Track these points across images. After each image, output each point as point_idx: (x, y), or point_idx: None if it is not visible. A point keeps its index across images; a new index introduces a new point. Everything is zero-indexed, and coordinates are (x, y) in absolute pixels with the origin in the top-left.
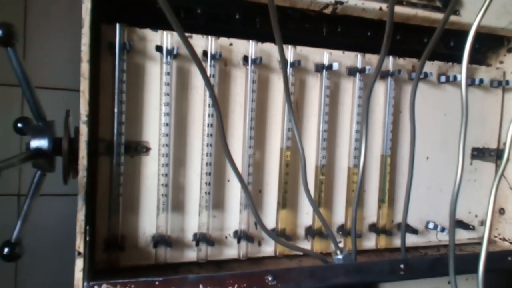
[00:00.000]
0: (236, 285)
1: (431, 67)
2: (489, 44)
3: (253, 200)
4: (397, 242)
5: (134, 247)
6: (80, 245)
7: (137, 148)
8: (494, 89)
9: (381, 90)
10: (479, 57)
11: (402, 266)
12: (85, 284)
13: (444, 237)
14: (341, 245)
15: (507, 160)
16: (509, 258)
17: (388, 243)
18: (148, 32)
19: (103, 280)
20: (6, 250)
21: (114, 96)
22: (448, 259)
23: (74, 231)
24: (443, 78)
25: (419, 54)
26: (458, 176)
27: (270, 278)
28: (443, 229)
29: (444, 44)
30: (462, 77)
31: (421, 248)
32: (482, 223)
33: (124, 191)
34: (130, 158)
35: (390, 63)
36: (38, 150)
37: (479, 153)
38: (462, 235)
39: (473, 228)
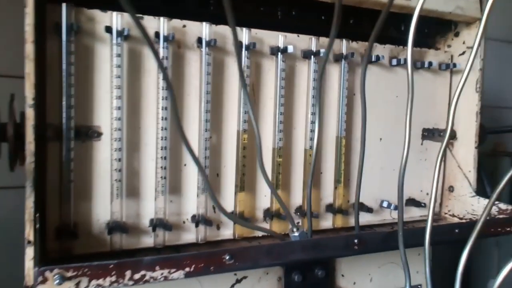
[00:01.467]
0: (193, 266)
1: (383, 50)
2: (437, 28)
3: (211, 183)
4: (353, 221)
5: (88, 234)
6: (29, 233)
7: (88, 133)
8: (442, 71)
9: (335, 73)
10: (428, 41)
11: (356, 241)
12: (36, 269)
13: (396, 215)
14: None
15: (450, 137)
16: (456, 231)
17: (344, 222)
18: (97, 13)
19: (55, 265)
20: None
21: (62, 79)
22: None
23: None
24: (394, 61)
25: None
26: (404, 155)
27: (227, 257)
28: (396, 207)
29: (395, 28)
30: (408, 60)
31: (376, 226)
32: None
33: (76, 177)
34: (81, 143)
35: (344, 46)
36: None
37: (429, 134)
38: (414, 213)
39: (424, 205)
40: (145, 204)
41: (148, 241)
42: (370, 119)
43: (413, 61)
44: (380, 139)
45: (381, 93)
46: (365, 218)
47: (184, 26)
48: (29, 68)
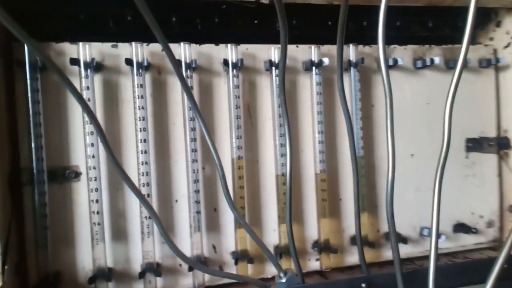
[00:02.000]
0: None
1: (404, 52)
2: (476, 20)
3: (208, 219)
4: (387, 254)
5: (73, 284)
6: None
7: (66, 174)
8: (484, 69)
9: (345, 84)
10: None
11: (364, 285)
12: None
13: (444, 244)
14: (316, 263)
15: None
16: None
17: (375, 257)
18: (66, 46)
19: None
20: None
21: (29, 119)
22: (427, 272)
23: None
24: (419, 63)
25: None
26: (390, 174)
27: None
28: (439, 236)
29: (420, 24)
30: (380, 56)
31: (417, 259)
32: (490, 224)
33: (55, 222)
34: (59, 185)
35: (351, 51)
36: None
37: (475, 144)
38: (467, 240)
39: (476, 232)
40: (133, 247)
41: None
42: (397, 133)
43: (445, 60)
44: (412, 155)
45: (407, 101)
46: (402, 250)
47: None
48: None
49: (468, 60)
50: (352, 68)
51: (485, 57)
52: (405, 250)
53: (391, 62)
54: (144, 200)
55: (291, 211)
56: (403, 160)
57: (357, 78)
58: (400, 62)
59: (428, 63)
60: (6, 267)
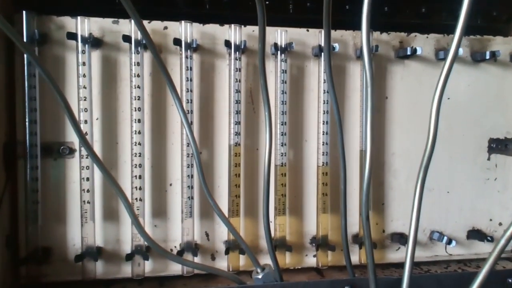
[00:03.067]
0: None
1: (426, 41)
2: (509, 11)
3: (203, 206)
4: (391, 256)
5: (63, 260)
6: None
7: (60, 150)
8: None
9: (357, 73)
10: (499, 27)
11: None
12: None
13: (456, 251)
14: (314, 259)
15: None
16: (509, 280)
17: (378, 258)
18: (67, 20)
19: None
20: None
21: (24, 92)
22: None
23: None
24: (441, 54)
25: (409, 28)
26: (367, 173)
27: None
28: (450, 241)
29: (445, 12)
30: (363, 44)
31: (424, 264)
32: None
33: (47, 197)
34: (53, 161)
35: (364, 37)
36: None
37: (499, 145)
38: (481, 248)
39: (491, 240)
40: (124, 229)
41: (127, 270)
42: (412, 128)
43: (471, 52)
44: None
45: (425, 95)
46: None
47: (166, 28)
48: None
49: (497, 53)
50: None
51: None
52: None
53: (409, 52)
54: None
55: (268, 202)
56: (417, 158)
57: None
58: (419, 51)
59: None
60: None
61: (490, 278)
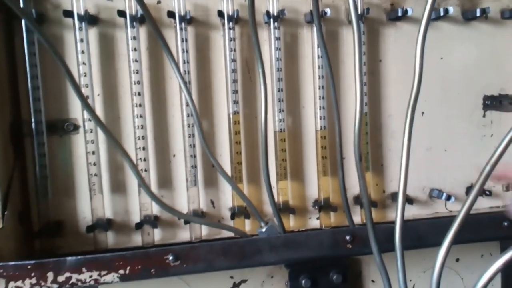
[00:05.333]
0: (128, 267)
1: (417, 2)
2: None
3: (206, 175)
4: (392, 215)
5: (75, 232)
6: None
7: (65, 127)
8: (507, 21)
9: (350, 37)
10: None
11: (348, 237)
12: None
13: (454, 207)
14: (317, 222)
15: None
16: (505, 224)
17: (380, 217)
18: None
19: None
20: None
21: (26, 71)
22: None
23: None
24: (433, 14)
25: None
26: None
27: (171, 258)
28: (449, 197)
29: None
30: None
31: (425, 221)
32: (508, 187)
33: (55, 173)
34: (59, 138)
35: (357, 1)
36: None
37: (493, 102)
38: (481, 204)
39: (490, 194)
40: (132, 199)
41: (138, 239)
42: (407, 90)
43: (462, 11)
44: (422, 113)
45: (418, 56)
46: (410, 212)
47: (159, 2)
48: None
49: (487, 9)
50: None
51: (508, 7)
52: (412, 212)
53: (399, 13)
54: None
55: (267, 162)
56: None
57: (362, 30)
58: (410, 12)
59: (442, 13)
60: (6, 212)
61: (486, 221)
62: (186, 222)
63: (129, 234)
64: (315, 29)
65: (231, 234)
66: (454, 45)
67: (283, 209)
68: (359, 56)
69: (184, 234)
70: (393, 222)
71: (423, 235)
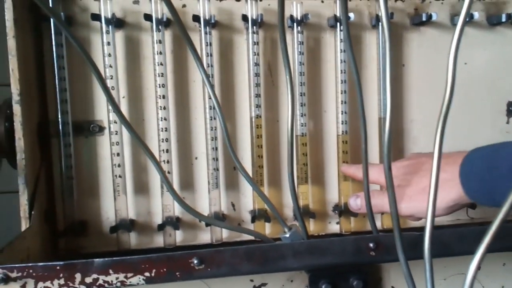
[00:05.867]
0: (153, 270)
1: (441, 7)
2: None
3: (227, 178)
4: (411, 222)
5: (98, 233)
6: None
7: (91, 128)
8: None
9: (373, 41)
10: None
11: (371, 245)
12: None
13: (476, 214)
14: (337, 226)
15: None
16: None
17: (400, 223)
18: (89, 2)
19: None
20: None
21: (54, 73)
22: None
23: None
24: (457, 19)
25: None
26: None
27: (196, 262)
28: (472, 205)
29: None
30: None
31: (443, 228)
32: None
33: (80, 174)
34: (85, 139)
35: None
36: None
37: None
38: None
39: None
40: (154, 201)
41: (160, 240)
42: (428, 96)
43: (487, 16)
44: None
45: (443, 62)
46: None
47: (184, 6)
48: (13, 64)
49: None
50: (380, 24)
51: None
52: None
53: (424, 18)
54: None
55: (293, 166)
56: (435, 124)
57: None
58: (434, 17)
59: (466, 18)
60: (33, 212)
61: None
62: (208, 225)
63: (151, 235)
64: (338, 33)
65: (252, 237)
66: (478, 50)
67: (303, 213)
68: (390, 63)
69: (205, 236)
70: (414, 229)
71: (447, 243)
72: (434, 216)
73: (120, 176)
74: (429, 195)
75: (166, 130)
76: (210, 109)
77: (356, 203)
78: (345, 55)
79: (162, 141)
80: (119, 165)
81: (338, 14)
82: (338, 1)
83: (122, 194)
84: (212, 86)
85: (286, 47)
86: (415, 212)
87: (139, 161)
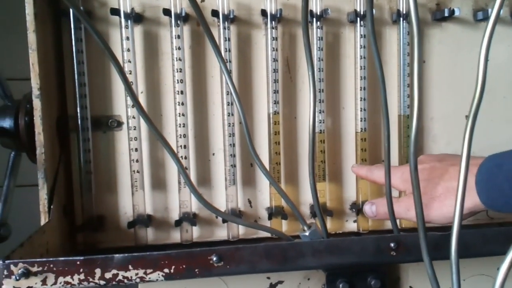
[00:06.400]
0: (173, 267)
1: (463, 2)
2: None
3: (244, 174)
4: None
5: (116, 228)
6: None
7: (109, 123)
8: None
9: (393, 37)
10: None
11: (392, 245)
12: (0, 262)
13: (496, 214)
14: (354, 225)
15: None
16: None
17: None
18: None
19: (20, 259)
20: None
21: (73, 68)
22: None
23: None
24: (480, 15)
25: None
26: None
27: (215, 259)
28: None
29: None
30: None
31: (465, 228)
32: None
33: (98, 168)
34: (103, 134)
35: (402, 1)
36: (0, 129)
37: None
38: None
39: None
40: (172, 197)
41: (177, 236)
42: (451, 93)
43: (511, 12)
44: (466, 116)
45: (463, 57)
46: None
47: (203, 0)
48: (33, 58)
49: None
50: (401, 20)
51: None
52: None
53: (446, 13)
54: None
55: (313, 164)
56: (456, 122)
57: (407, 30)
58: (457, 13)
59: (490, 14)
60: (52, 207)
61: None
62: (224, 221)
63: (168, 230)
64: (358, 29)
65: (268, 234)
66: (501, 46)
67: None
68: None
69: (221, 233)
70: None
71: (470, 244)
72: (461, 220)
73: (138, 172)
74: (456, 198)
75: (184, 126)
76: (228, 105)
77: (372, 210)
78: (365, 51)
79: (180, 137)
80: (137, 161)
81: (358, 9)
82: None
83: (140, 190)
84: (233, 83)
85: (310, 43)
86: (428, 221)
87: (156, 157)
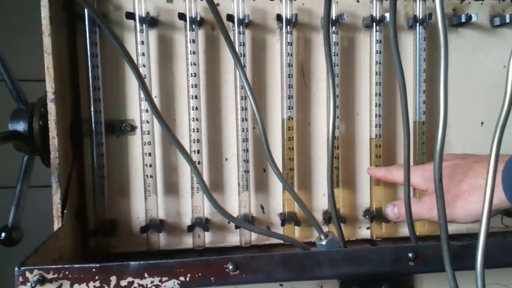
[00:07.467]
0: (188, 275)
1: (480, 7)
2: None
3: (257, 180)
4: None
5: (128, 232)
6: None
7: (122, 127)
8: None
9: (409, 42)
10: None
11: (410, 255)
12: (16, 269)
13: (510, 222)
14: (367, 232)
15: None
16: None
17: (433, 230)
18: (124, 1)
19: (35, 266)
20: (3, 235)
21: (88, 72)
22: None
23: None
24: (497, 21)
25: None
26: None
27: (231, 267)
28: (508, 212)
29: None
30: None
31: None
32: None
33: (111, 173)
34: (116, 138)
35: (419, 6)
36: (14, 132)
37: None
38: None
39: None
40: (184, 202)
41: (189, 241)
42: (466, 99)
43: None
44: (482, 123)
45: (480, 64)
46: (464, 226)
47: (218, 4)
48: (48, 62)
49: None
50: (417, 25)
51: None
52: (467, 225)
53: (463, 19)
54: (188, 157)
55: (332, 172)
56: (472, 129)
57: (423, 36)
58: (474, 18)
59: (507, 20)
60: (65, 211)
61: None
62: (237, 227)
63: (180, 236)
64: (374, 34)
65: (280, 241)
66: None
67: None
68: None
69: (233, 238)
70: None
71: (489, 254)
72: (488, 228)
73: (151, 176)
74: (483, 203)
75: (197, 131)
76: (242, 110)
77: (394, 212)
78: (380, 56)
79: (193, 142)
80: (150, 165)
81: (374, 14)
82: (374, 1)
83: (153, 194)
84: (251, 88)
85: (331, 50)
86: (452, 219)
87: (169, 162)
